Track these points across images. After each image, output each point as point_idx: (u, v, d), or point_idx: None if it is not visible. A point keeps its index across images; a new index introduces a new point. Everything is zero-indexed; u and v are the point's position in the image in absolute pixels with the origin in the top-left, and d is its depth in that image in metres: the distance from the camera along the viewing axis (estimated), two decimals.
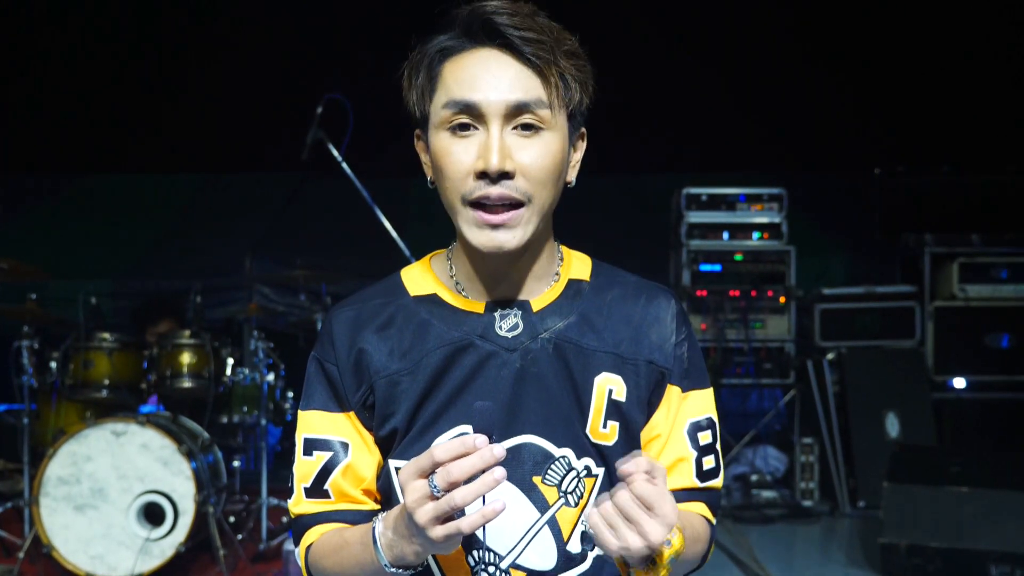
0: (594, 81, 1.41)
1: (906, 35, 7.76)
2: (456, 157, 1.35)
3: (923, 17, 7.61)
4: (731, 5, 8.03)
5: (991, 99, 7.58)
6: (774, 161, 7.75)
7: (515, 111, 1.34)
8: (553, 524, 1.41)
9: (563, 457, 1.42)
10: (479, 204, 1.34)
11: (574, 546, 1.42)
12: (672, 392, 1.48)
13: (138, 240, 7.59)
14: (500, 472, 1.18)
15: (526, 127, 1.34)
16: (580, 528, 1.43)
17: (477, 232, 1.36)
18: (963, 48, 7.58)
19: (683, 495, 1.47)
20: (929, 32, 7.60)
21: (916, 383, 6.03)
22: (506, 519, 1.38)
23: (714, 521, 1.52)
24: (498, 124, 1.33)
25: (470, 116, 1.34)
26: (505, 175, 1.33)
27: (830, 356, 6.13)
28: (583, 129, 1.45)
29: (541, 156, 1.35)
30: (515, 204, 1.34)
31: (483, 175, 1.33)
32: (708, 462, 1.49)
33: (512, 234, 1.35)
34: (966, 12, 7.47)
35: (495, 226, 1.34)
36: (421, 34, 1.41)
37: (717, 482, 1.51)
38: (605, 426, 1.43)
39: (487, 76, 1.34)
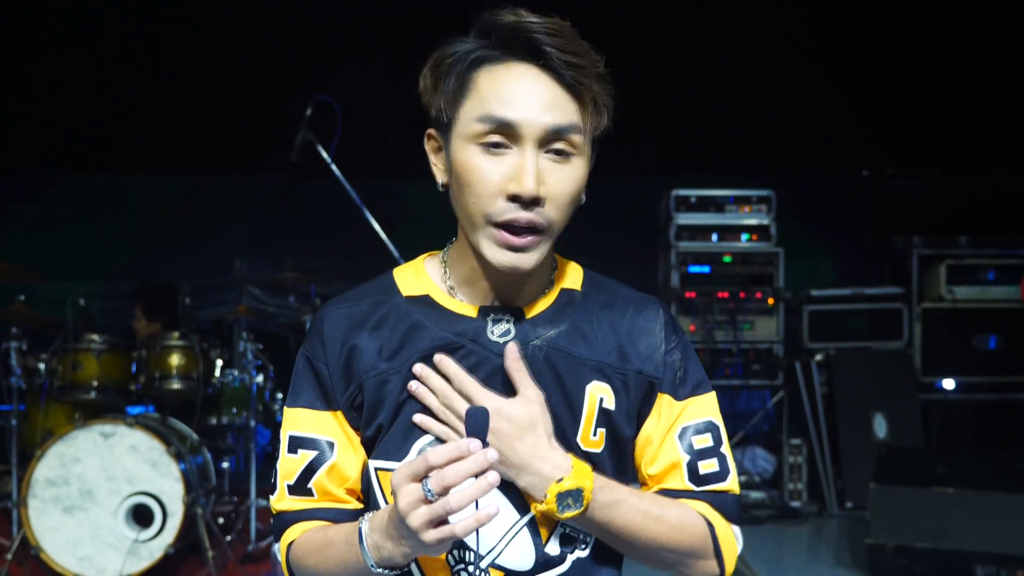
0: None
1: (895, 38, 7.79)
2: (487, 175, 1.33)
3: (911, 20, 7.64)
4: (720, 8, 8.05)
5: (979, 102, 7.60)
6: (763, 163, 7.76)
7: (552, 136, 1.33)
8: (532, 525, 1.41)
9: None
10: (506, 226, 1.33)
11: (552, 548, 1.42)
12: (663, 400, 1.47)
13: (127, 241, 7.56)
14: (494, 476, 1.19)
15: (558, 152, 1.34)
16: (560, 531, 1.43)
17: (496, 251, 1.35)
18: (951, 51, 7.60)
19: (682, 494, 1.45)
20: (917, 35, 7.62)
21: (904, 384, 6.05)
22: None
23: (717, 524, 1.45)
24: (533, 147, 1.32)
25: (504, 135, 1.32)
26: (536, 201, 1.32)
27: (818, 357, 6.15)
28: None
29: (568, 183, 1.35)
30: (538, 229, 1.34)
31: (515, 198, 1.32)
32: (707, 466, 1.46)
33: (530, 257, 1.35)
34: (955, 15, 7.50)
35: (516, 249, 1.34)
36: (444, 36, 1.38)
37: (724, 485, 1.47)
38: (595, 434, 1.43)
39: (527, 96, 1.32)
